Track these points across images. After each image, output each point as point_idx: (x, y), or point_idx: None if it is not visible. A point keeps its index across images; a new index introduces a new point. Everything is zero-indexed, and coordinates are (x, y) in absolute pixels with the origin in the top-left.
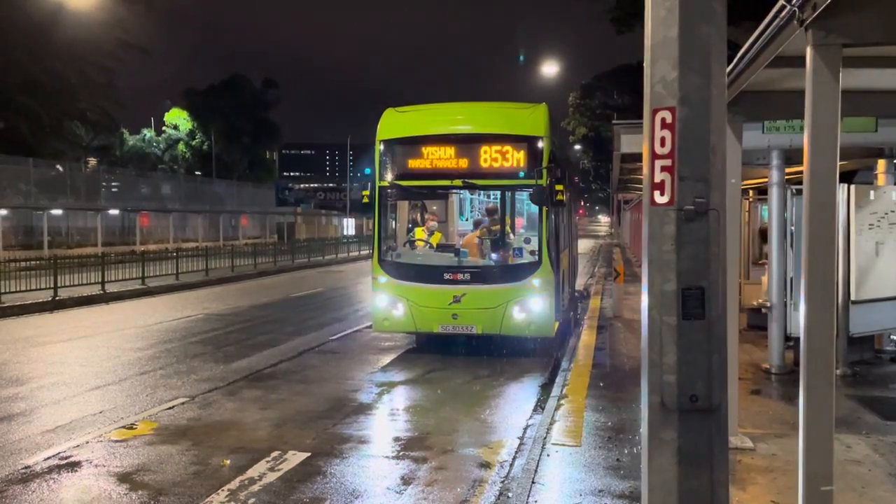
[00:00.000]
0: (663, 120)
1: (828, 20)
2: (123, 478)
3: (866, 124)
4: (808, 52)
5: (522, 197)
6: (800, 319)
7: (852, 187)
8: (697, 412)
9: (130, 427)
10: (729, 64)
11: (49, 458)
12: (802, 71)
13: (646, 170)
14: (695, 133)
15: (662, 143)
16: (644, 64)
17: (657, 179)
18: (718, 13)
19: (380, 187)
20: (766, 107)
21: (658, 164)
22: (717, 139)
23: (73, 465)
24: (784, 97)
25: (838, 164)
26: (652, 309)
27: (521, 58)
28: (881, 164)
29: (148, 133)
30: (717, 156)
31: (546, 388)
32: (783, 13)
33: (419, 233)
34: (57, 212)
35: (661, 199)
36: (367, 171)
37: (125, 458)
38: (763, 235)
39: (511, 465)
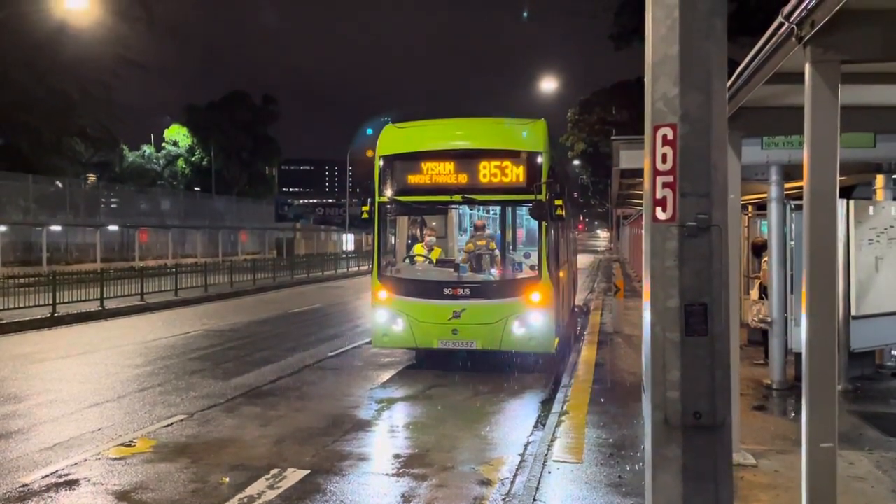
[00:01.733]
0: (664, 137)
1: (826, 37)
2: (122, 496)
3: (864, 140)
4: (807, 68)
5: (522, 212)
6: (801, 335)
7: (851, 202)
8: (701, 429)
9: (129, 444)
10: (727, 80)
11: (47, 476)
12: (801, 87)
13: (647, 186)
14: (696, 149)
15: (664, 160)
16: (645, 81)
17: (659, 196)
18: (718, 30)
19: (380, 203)
20: (765, 122)
21: (660, 180)
22: (718, 155)
23: (72, 484)
24: (783, 113)
25: (838, 179)
26: (655, 325)
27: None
28: (880, 179)
29: (147, 149)
30: (718, 172)
31: (547, 405)
32: (782, 30)
33: (419, 248)
34: (56, 228)
35: (662, 215)
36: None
37: (123, 475)
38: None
39: (512, 482)
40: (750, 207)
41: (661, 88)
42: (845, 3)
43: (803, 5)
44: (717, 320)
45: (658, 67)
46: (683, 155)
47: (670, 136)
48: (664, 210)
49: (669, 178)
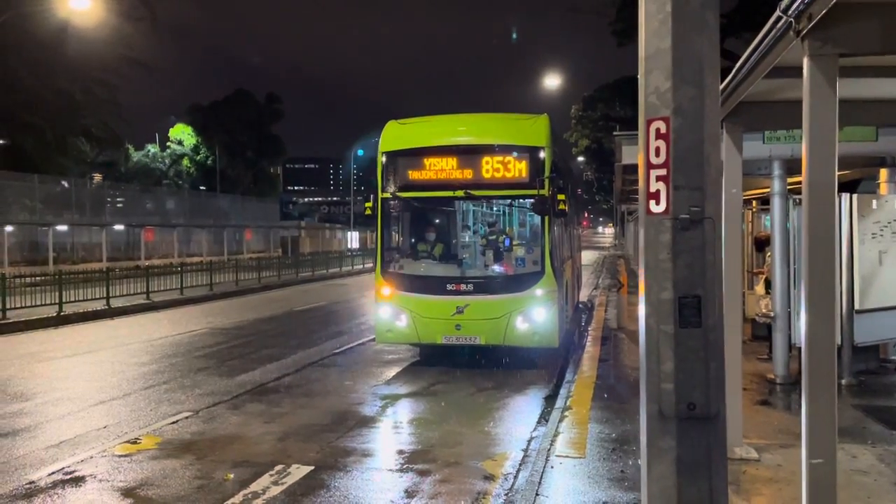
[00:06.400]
0: (658, 130)
1: (824, 30)
2: (127, 492)
3: (867, 133)
4: (805, 62)
5: (525, 207)
6: (801, 329)
7: (854, 196)
8: (695, 420)
9: (134, 442)
10: (728, 75)
11: (53, 473)
12: (800, 81)
13: (641, 180)
14: (689, 143)
15: (657, 153)
16: (638, 75)
17: (652, 189)
18: (711, 24)
19: (382, 199)
20: (766, 117)
21: (653, 173)
22: (711, 149)
23: (78, 480)
24: (783, 107)
25: (836, 173)
26: (649, 317)
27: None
28: (883, 173)
29: (152, 149)
30: (711, 165)
31: (550, 400)
32: (779, 24)
33: (422, 245)
34: (62, 227)
35: (656, 208)
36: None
37: (129, 472)
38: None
39: (515, 477)
40: (754, 202)
41: (654, 82)
42: None
43: None
44: (710, 312)
45: (651, 61)
46: (676, 148)
47: (663, 130)
48: (657, 203)
49: (663, 172)
